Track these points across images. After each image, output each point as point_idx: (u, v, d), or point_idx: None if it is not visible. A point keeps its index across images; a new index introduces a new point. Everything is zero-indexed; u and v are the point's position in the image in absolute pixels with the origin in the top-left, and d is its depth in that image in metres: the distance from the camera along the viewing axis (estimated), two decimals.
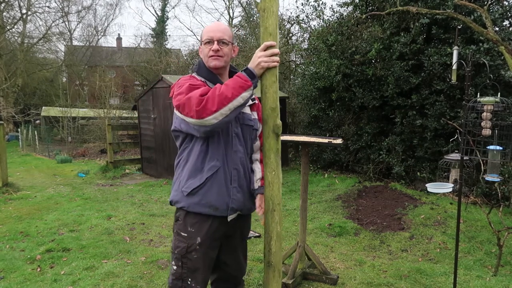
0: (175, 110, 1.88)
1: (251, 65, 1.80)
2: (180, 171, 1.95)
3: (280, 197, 1.88)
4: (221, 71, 1.98)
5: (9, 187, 7.27)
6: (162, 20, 29.04)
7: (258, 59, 1.77)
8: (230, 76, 2.04)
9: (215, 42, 1.91)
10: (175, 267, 1.92)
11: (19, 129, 19.93)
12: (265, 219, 1.90)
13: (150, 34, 30.86)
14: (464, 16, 5.62)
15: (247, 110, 2.02)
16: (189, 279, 1.89)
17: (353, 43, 7.42)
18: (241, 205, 1.95)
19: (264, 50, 1.77)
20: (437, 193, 5.63)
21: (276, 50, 1.78)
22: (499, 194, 4.72)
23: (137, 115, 10.02)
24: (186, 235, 1.90)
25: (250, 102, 2.03)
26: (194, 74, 1.99)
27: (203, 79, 1.94)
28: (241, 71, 1.80)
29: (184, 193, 1.88)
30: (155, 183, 7.73)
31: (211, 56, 1.92)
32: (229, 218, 1.93)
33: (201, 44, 1.99)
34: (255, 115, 2.07)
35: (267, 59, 1.77)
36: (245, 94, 1.75)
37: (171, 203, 1.99)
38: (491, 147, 2.69)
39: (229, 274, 2.11)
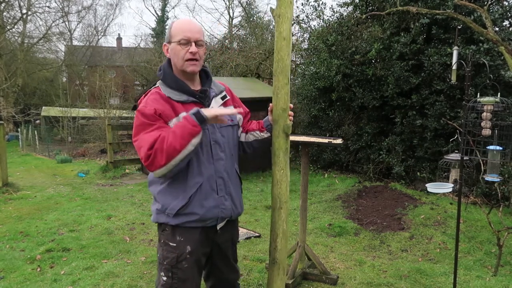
0: None
1: (206, 112, 1.70)
2: (159, 190, 1.84)
3: (288, 196, 1.89)
4: (195, 74, 1.87)
5: (9, 187, 7.27)
6: (162, 20, 29.06)
7: (217, 111, 1.72)
8: (201, 76, 1.94)
9: (193, 44, 1.77)
10: (165, 278, 1.84)
11: (19, 129, 19.95)
12: (272, 217, 1.91)
13: (150, 34, 30.92)
14: (464, 16, 5.63)
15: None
16: None
17: (353, 43, 7.43)
18: (230, 212, 1.90)
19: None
20: (437, 193, 5.63)
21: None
22: (499, 194, 4.72)
23: None
24: (175, 245, 1.82)
25: (221, 101, 1.94)
26: (159, 84, 1.85)
27: (167, 93, 1.80)
28: (191, 114, 1.70)
29: (170, 215, 1.80)
30: None
31: (189, 60, 1.78)
32: (219, 226, 1.91)
33: (169, 42, 1.83)
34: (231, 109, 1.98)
35: (224, 112, 1.73)
36: (195, 140, 1.68)
37: (156, 222, 1.90)
38: (491, 147, 2.69)
39: (224, 279, 2.06)
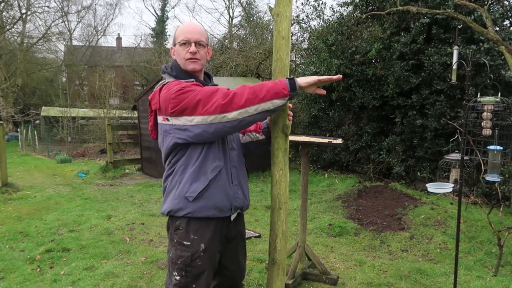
0: (168, 120, 1.76)
1: (301, 79, 1.72)
2: (178, 177, 1.83)
3: (287, 196, 1.89)
4: (198, 74, 1.91)
5: (8, 187, 7.26)
6: (162, 20, 29.07)
7: (314, 78, 1.74)
8: (205, 79, 1.98)
9: (193, 44, 1.85)
10: (178, 277, 1.84)
11: (18, 129, 19.94)
12: (271, 217, 1.91)
13: (150, 34, 30.94)
14: (464, 15, 5.62)
15: None
16: (194, 285, 1.85)
17: (353, 43, 7.42)
18: (242, 202, 1.93)
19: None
20: (437, 193, 5.63)
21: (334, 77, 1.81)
22: (500, 194, 4.71)
23: (137, 115, 10.01)
24: (189, 243, 1.83)
25: None
26: (173, 79, 1.88)
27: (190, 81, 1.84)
28: (286, 78, 1.71)
29: (190, 199, 1.78)
30: (155, 183, 7.72)
31: (189, 59, 1.85)
32: (232, 217, 1.92)
33: (174, 45, 1.91)
34: None
35: (325, 78, 1.76)
36: (278, 102, 1.67)
37: (169, 213, 1.87)
38: (492, 147, 2.69)
39: (230, 279, 2.07)
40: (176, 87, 1.75)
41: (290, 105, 1.90)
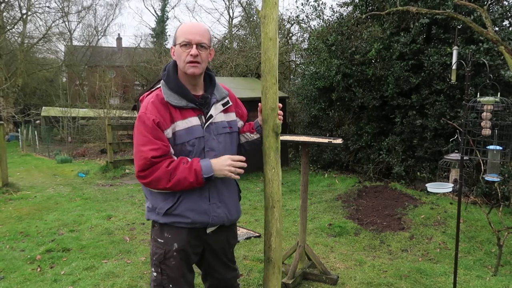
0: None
1: (215, 168, 1.76)
2: (150, 191, 1.85)
3: (280, 195, 1.89)
4: (197, 78, 1.85)
5: (9, 187, 7.26)
6: (162, 20, 29.09)
7: (226, 166, 1.77)
8: (205, 79, 1.93)
9: (194, 46, 1.76)
10: (155, 274, 1.87)
11: (19, 129, 19.97)
12: (265, 216, 1.91)
13: (150, 34, 30.94)
14: (464, 16, 5.62)
15: (220, 117, 1.90)
16: (170, 285, 1.85)
17: (353, 43, 7.43)
18: (222, 220, 1.88)
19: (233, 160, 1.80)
20: (437, 193, 5.63)
21: (244, 164, 1.81)
22: (499, 194, 4.72)
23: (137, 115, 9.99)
24: (162, 241, 1.84)
25: (222, 107, 1.92)
26: (162, 85, 1.84)
27: (167, 96, 1.78)
28: (204, 174, 1.73)
29: (160, 214, 1.82)
30: None
31: (189, 62, 1.77)
32: (208, 230, 1.90)
33: (174, 45, 1.83)
34: (232, 116, 1.97)
35: (233, 169, 1.77)
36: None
37: (148, 219, 1.94)
38: (491, 147, 2.69)
39: (221, 280, 2.06)
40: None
41: (280, 104, 1.89)
